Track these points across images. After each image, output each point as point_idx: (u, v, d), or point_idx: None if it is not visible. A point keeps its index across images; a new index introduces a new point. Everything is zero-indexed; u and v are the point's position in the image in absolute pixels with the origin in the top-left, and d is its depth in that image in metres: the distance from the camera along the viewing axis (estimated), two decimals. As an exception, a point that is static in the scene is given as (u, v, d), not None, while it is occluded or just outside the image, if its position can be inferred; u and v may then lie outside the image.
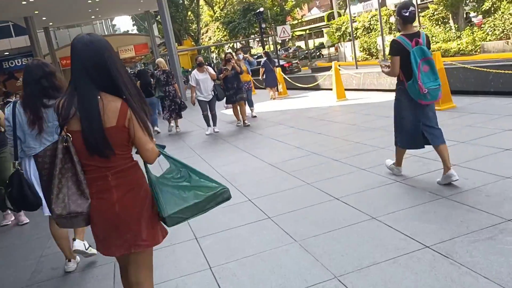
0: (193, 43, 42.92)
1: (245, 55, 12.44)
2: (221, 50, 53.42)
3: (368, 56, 22.30)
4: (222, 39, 43.26)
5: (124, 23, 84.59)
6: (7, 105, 10.81)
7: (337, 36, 26.99)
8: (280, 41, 26.29)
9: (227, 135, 9.19)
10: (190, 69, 28.11)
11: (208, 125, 9.53)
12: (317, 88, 14.51)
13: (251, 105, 11.12)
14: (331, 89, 13.33)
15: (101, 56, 2.01)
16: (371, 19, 23.61)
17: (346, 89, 11.33)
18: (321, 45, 34.81)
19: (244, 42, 42.70)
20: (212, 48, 45.83)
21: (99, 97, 1.98)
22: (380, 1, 17.30)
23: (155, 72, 11.34)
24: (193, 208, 2.13)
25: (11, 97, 12.33)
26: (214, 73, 9.41)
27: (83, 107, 1.97)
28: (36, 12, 20.92)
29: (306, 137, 7.54)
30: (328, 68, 18.37)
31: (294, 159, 6.19)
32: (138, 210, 2.09)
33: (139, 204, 2.09)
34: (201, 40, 45.93)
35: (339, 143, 6.59)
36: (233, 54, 10.12)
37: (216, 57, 46.66)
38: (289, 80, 14.99)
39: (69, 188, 2.01)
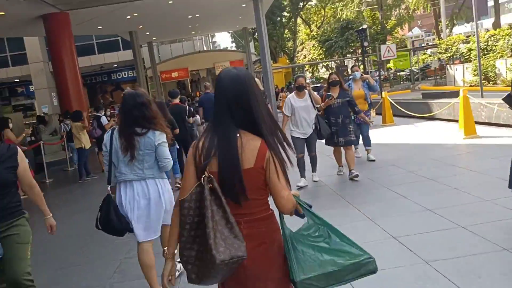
0: (288, 60, 41.66)
1: (364, 75, 8.48)
2: (315, 68, 51.77)
3: (484, 81, 19.20)
4: (318, 57, 41.59)
5: (223, 39, 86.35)
6: (96, 118, 9.81)
7: (446, 57, 23.96)
8: (381, 61, 23.90)
9: (326, 176, 7.21)
10: (281, 87, 26.65)
11: (302, 174, 6.70)
12: (431, 117, 12.08)
13: (367, 143, 7.96)
14: (450, 120, 10.97)
15: (246, 92, 1.89)
16: (489, 39, 20.44)
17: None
18: (426, 67, 31.51)
19: (339, 61, 40.63)
20: (307, 67, 44.19)
21: (238, 135, 1.84)
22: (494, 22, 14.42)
23: None
24: (330, 277, 1.80)
25: (101, 112, 11.56)
26: (319, 97, 6.77)
27: (222, 146, 1.84)
28: (140, 27, 20.77)
29: (437, 192, 5.44)
30: (438, 95, 15.76)
31: (430, 232, 4.18)
32: (267, 269, 1.86)
33: (269, 261, 1.86)
34: (296, 58, 44.63)
35: (497, 213, 4.41)
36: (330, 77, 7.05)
37: (310, 76, 44.98)
38: (396, 105, 12.77)
39: (222, 232, 1.77)
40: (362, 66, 23.28)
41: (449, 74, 22.92)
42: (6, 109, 32.83)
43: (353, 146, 7.18)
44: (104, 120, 11.19)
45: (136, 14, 17.60)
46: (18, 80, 30.51)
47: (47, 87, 25.04)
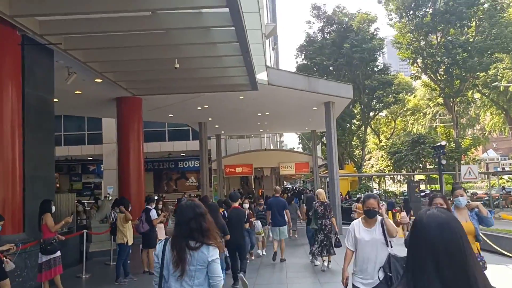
0: (355, 168, 40.03)
1: (472, 202, 5.59)
2: (381, 180, 49.42)
3: None
4: (385, 169, 39.66)
5: (291, 140, 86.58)
6: (145, 211, 8.56)
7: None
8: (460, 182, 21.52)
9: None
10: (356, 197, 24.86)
11: None
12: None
13: None
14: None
15: (461, 246, 1.47)
16: None
17: None
18: (508, 193, 28.28)
19: (407, 175, 38.34)
20: (374, 178, 42.16)
21: None
22: None
23: (314, 203, 9.90)
24: None
25: (151, 204, 10.42)
26: (395, 227, 4.54)
27: None
28: (210, 119, 20.61)
29: None
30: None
31: None
32: None
33: None
34: (363, 167, 42.93)
35: None
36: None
37: (377, 187, 42.64)
38: (485, 238, 10.57)
39: None
40: (437, 186, 21.07)
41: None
42: (76, 185, 33.68)
43: None
44: (153, 214, 10.01)
45: (206, 106, 17.37)
46: (91, 158, 31.44)
47: (116, 168, 25.18)
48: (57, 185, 32.93)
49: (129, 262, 11.04)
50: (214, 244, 3.19)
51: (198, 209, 3.26)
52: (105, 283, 9.08)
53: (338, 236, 9.73)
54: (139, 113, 15.59)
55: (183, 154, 31.28)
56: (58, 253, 7.65)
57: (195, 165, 31.82)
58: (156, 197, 13.98)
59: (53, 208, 8.02)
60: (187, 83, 13.59)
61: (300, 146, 57.24)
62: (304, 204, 12.07)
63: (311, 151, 29.26)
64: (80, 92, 14.00)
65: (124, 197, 13.08)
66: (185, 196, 24.24)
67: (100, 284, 9.09)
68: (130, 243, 9.23)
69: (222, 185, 27.61)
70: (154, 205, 10.23)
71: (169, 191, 31.98)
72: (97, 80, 12.57)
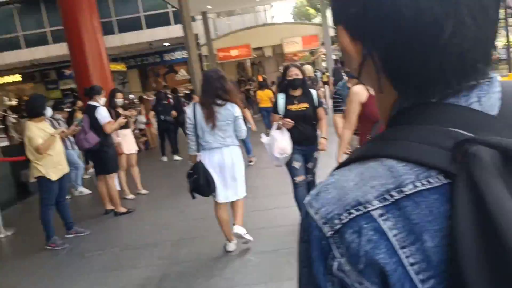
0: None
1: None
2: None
3: None
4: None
5: (283, 17, 75.18)
6: (87, 112, 5.90)
7: None
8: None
9: None
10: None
11: None
12: None
13: None
14: None
15: None
16: None
17: None
18: None
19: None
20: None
21: None
22: None
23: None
24: None
25: (96, 98, 5.97)
26: None
27: None
28: (188, -14, 15.29)
29: None
30: None
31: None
32: None
33: None
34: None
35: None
36: None
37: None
38: None
39: None
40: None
41: None
42: (54, 93, 28.97)
43: None
44: (103, 114, 5.62)
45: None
46: (63, 60, 26.40)
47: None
48: (32, 96, 28.43)
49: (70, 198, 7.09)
50: (237, 103, 3.74)
51: (220, 72, 3.89)
52: (34, 245, 5.03)
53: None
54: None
55: (168, 44, 26.11)
56: None
57: (184, 56, 26.76)
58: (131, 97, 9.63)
59: None
60: None
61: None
62: (331, 77, 9.51)
63: (322, 20, 23.94)
64: None
65: (74, 95, 8.77)
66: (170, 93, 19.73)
67: (23, 252, 5.04)
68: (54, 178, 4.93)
69: (217, 74, 23.01)
70: (101, 99, 5.77)
71: (159, 88, 27.40)
72: None
